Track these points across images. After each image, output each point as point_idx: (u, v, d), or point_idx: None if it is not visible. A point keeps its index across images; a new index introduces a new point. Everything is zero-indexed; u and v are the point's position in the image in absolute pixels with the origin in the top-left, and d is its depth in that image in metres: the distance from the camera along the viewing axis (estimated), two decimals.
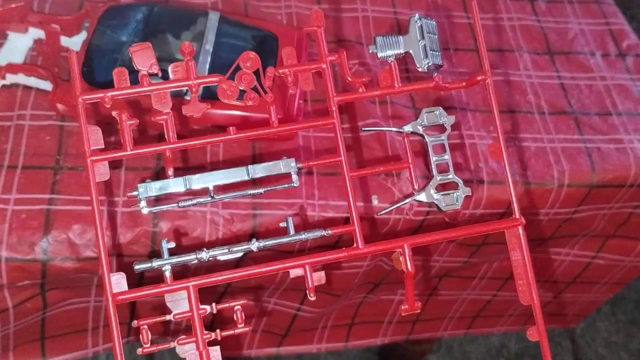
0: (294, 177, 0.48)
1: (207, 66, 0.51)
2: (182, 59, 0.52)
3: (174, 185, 0.46)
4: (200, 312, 0.45)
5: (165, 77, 0.54)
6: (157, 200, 0.49)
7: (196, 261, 0.45)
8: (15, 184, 0.50)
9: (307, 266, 0.46)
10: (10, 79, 0.54)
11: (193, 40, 0.53)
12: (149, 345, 0.44)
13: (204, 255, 0.45)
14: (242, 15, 0.61)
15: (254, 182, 0.51)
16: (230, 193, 0.47)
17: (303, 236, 0.47)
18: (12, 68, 0.54)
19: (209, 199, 0.47)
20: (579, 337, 1.15)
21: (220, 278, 0.45)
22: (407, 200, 0.53)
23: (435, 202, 0.52)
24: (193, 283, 0.44)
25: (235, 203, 0.51)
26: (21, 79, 0.54)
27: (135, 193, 0.45)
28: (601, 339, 1.15)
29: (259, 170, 0.47)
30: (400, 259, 0.47)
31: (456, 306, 0.72)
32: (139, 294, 0.43)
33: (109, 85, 0.51)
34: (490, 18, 0.67)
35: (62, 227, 0.48)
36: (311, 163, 0.48)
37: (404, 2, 0.67)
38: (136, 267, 0.44)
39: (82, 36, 0.57)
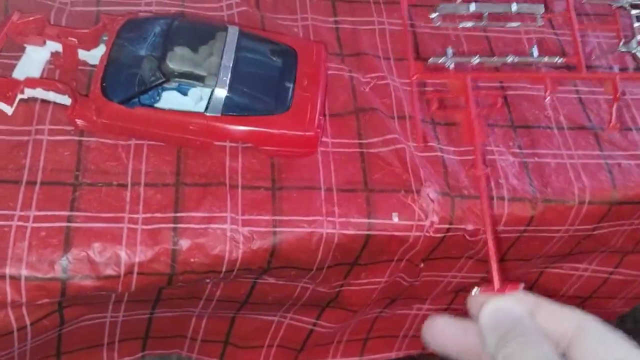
0: None
1: (228, 81, 0.51)
2: (199, 74, 0.52)
3: None
4: None
5: (183, 91, 0.53)
6: None
7: None
8: (34, 200, 0.49)
9: None
10: (29, 93, 0.54)
11: (211, 55, 0.53)
12: None
13: None
14: (259, 29, 0.60)
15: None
16: None
17: None
18: (30, 83, 0.53)
19: None
20: None
21: None
22: None
23: None
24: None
25: (255, 220, 0.51)
26: (39, 93, 0.54)
27: None
28: None
29: None
30: None
31: None
32: None
33: (127, 100, 0.51)
34: (510, 30, 0.67)
35: (81, 245, 0.48)
36: None
37: (419, 15, 0.67)
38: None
39: (100, 49, 0.56)
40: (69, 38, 0.56)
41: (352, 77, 0.60)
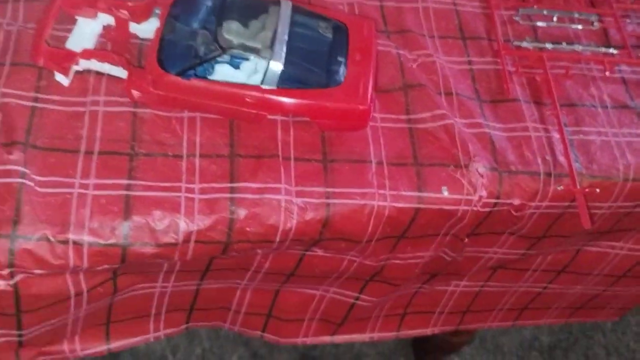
0: None
1: (284, 55, 0.52)
2: (254, 46, 0.52)
3: None
4: None
5: (235, 64, 0.54)
6: None
7: None
8: (93, 169, 0.50)
9: None
10: (83, 64, 0.54)
11: (263, 29, 0.54)
12: None
13: None
14: (308, 4, 0.61)
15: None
16: None
17: None
18: (86, 54, 0.54)
19: None
20: (610, 331, 1.16)
21: None
22: None
23: None
24: None
25: (309, 192, 0.52)
26: (94, 64, 0.54)
27: None
28: (632, 333, 1.16)
29: None
30: None
31: (506, 298, 0.72)
32: None
33: (183, 72, 0.52)
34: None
35: (141, 212, 0.49)
36: None
37: None
38: None
39: (151, 23, 0.57)
40: (121, 11, 0.57)
41: (399, 53, 0.60)
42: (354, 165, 0.54)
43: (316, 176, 0.53)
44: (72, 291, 0.51)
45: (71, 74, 0.54)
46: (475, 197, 0.54)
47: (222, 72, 0.53)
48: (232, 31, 0.53)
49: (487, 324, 0.76)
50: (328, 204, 0.52)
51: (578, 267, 0.69)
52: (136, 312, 0.60)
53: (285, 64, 0.51)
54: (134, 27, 0.58)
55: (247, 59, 0.53)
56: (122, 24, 0.57)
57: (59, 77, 0.53)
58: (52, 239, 0.47)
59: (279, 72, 0.51)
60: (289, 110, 0.53)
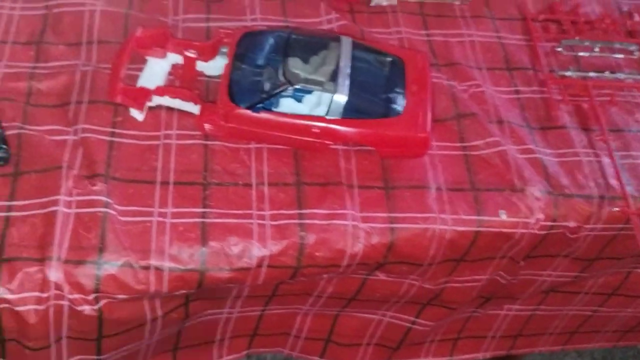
0: None
1: (347, 87, 0.54)
2: (318, 80, 0.55)
3: None
4: None
5: (297, 98, 0.57)
6: None
7: None
8: (170, 198, 0.53)
9: None
10: (156, 100, 0.57)
11: (324, 64, 0.56)
12: None
13: None
14: (363, 39, 0.64)
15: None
16: None
17: None
18: (160, 91, 0.57)
19: None
20: None
21: None
22: None
23: None
24: None
25: (373, 217, 0.54)
26: (166, 100, 0.57)
27: None
28: None
29: None
30: None
31: (557, 322, 0.73)
32: None
33: (253, 106, 0.54)
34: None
35: (217, 238, 0.51)
36: None
37: (505, 27, 0.70)
38: None
39: (217, 61, 0.60)
40: (189, 50, 0.60)
41: (450, 84, 0.63)
42: (414, 191, 0.56)
43: (379, 202, 0.55)
44: (149, 316, 0.53)
45: (145, 110, 0.57)
46: (532, 220, 0.56)
47: (287, 105, 0.56)
48: (297, 66, 0.56)
49: (537, 348, 0.76)
50: (392, 229, 0.54)
51: (629, 290, 0.70)
52: (202, 338, 0.62)
53: (349, 96, 0.54)
54: (200, 65, 0.61)
55: (309, 92, 0.56)
56: (189, 63, 0.60)
57: (134, 113, 0.56)
58: (135, 264, 0.49)
59: (343, 104, 0.54)
60: (352, 139, 0.56)
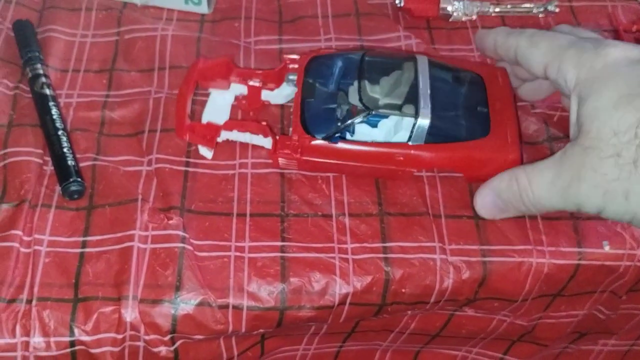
0: None
1: (429, 110, 0.51)
2: (396, 104, 0.52)
3: None
4: None
5: (372, 123, 0.53)
6: None
7: None
8: (247, 231, 0.50)
9: None
10: (224, 135, 0.54)
11: (398, 86, 0.53)
12: None
13: None
14: (440, 57, 0.60)
15: None
16: None
17: None
18: (229, 125, 0.54)
19: None
20: None
21: None
22: None
23: None
24: None
25: (464, 250, 0.50)
26: (235, 135, 0.54)
27: None
28: None
29: None
30: None
31: None
32: None
33: (330, 137, 0.51)
34: None
35: (298, 274, 0.48)
36: None
37: None
38: None
39: (283, 89, 0.57)
40: (253, 79, 0.57)
41: (533, 105, 0.59)
42: (506, 221, 0.52)
43: (469, 233, 0.51)
44: (225, 356, 0.51)
45: (214, 147, 0.54)
46: (639, 252, 0.51)
47: (362, 131, 0.53)
48: (373, 90, 0.53)
49: None
50: (484, 262, 0.50)
51: None
52: None
53: (431, 119, 0.51)
54: (266, 95, 0.58)
55: (386, 117, 0.53)
56: (254, 92, 0.57)
57: (203, 150, 0.54)
58: (212, 303, 0.47)
59: (427, 128, 0.51)
60: (437, 165, 0.52)
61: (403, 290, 0.49)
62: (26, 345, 0.45)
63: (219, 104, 0.58)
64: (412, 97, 0.52)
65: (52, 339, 0.45)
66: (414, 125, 0.51)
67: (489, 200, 0.50)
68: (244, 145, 0.55)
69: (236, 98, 0.58)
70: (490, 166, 0.52)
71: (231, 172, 0.53)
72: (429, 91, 0.52)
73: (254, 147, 0.55)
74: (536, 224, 0.52)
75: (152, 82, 0.59)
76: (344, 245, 0.50)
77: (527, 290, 0.51)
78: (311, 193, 0.53)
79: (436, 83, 0.53)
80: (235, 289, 0.47)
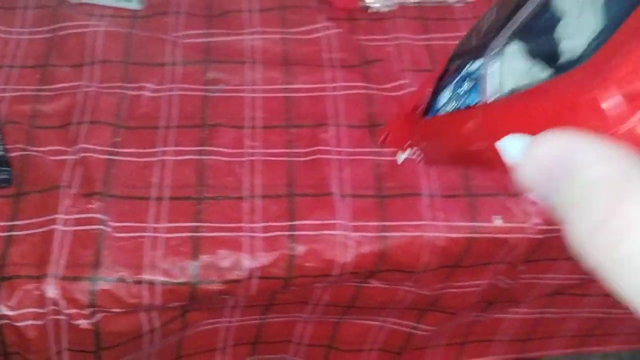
0: None
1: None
2: None
3: None
4: None
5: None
6: None
7: None
8: (163, 214, 0.54)
9: None
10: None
11: None
12: None
13: None
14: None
15: None
16: None
17: None
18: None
19: None
20: None
21: None
22: None
23: None
24: None
25: (365, 227, 0.54)
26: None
27: None
28: None
29: None
30: None
31: (568, 324, 0.72)
32: None
33: None
34: None
35: (208, 252, 0.53)
36: None
37: None
38: None
39: None
40: None
41: None
42: (406, 199, 0.56)
43: (370, 211, 0.55)
44: (146, 328, 0.55)
45: None
46: (529, 225, 0.56)
47: None
48: None
49: (550, 351, 0.75)
50: (383, 237, 0.54)
51: None
52: (204, 346, 0.64)
53: None
54: None
55: None
56: None
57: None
58: (128, 279, 0.51)
59: None
60: None
61: (307, 265, 0.53)
62: None
63: None
64: None
65: None
66: None
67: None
68: (164, 133, 0.59)
69: None
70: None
71: (152, 159, 0.58)
72: None
73: (175, 135, 0.59)
74: (433, 202, 0.56)
75: (83, 76, 0.63)
76: (253, 225, 0.54)
77: (425, 263, 0.56)
78: (227, 177, 0.57)
79: None
80: (150, 266, 0.52)
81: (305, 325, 0.65)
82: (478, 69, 0.28)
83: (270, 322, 0.63)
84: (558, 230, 0.56)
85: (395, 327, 0.65)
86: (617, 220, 0.16)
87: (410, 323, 0.65)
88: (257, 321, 0.63)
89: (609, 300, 0.69)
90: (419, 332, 0.66)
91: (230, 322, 0.62)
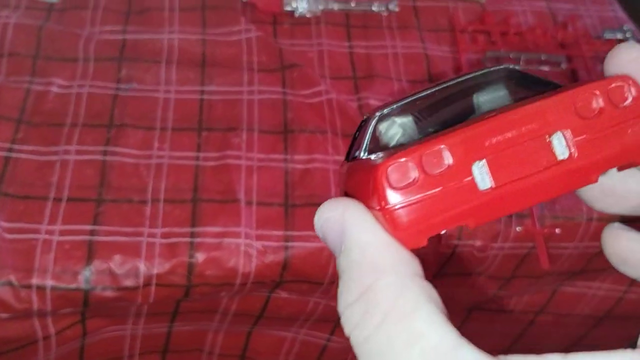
0: None
1: None
2: None
3: None
4: None
5: None
6: None
7: None
8: (60, 215, 0.52)
9: None
10: None
11: None
12: None
13: None
14: None
15: None
16: None
17: None
18: None
19: None
20: None
21: None
22: None
23: None
24: None
25: (268, 235, 0.53)
26: None
27: None
28: None
29: None
30: None
31: (487, 340, 0.72)
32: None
33: None
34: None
35: (103, 257, 0.50)
36: None
37: (432, 38, 0.69)
38: None
39: None
40: None
41: (359, 97, 0.62)
42: (314, 208, 0.55)
43: (276, 220, 0.54)
44: (40, 334, 0.53)
45: None
46: (436, 238, 0.55)
47: None
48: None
49: None
50: (287, 247, 0.53)
51: (556, 308, 0.68)
52: (109, 354, 0.61)
53: None
54: None
55: None
56: None
57: None
58: (15, 283, 0.49)
59: None
60: None
61: (207, 273, 0.52)
62: None
63: None
64: None
65: None
66: None
67: None
68: (69, 132, 0.57)
69: None
70: None
71: (54, 157, 0.55)
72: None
73: (80, 133, 0.57)
74: None
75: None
76: (154, 230, 0.52)
77: (332, 274, 0.54)
78: (131, 179, 0.55)
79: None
80: (40, 270, 0.49)
81: (216, 335, 0.63)
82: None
83: (179, 330, 0.61)
84: (466, 246, 0.56)
85: (309, 338, 0.64)
86: (363, 303, 0.19)
87: (325, 335, 0.64)
88: (165, 329, 0.61)
89: (527, 316, 0.69)
90: (333, 344, 0.65)
91: (135, 329, 0.59)
